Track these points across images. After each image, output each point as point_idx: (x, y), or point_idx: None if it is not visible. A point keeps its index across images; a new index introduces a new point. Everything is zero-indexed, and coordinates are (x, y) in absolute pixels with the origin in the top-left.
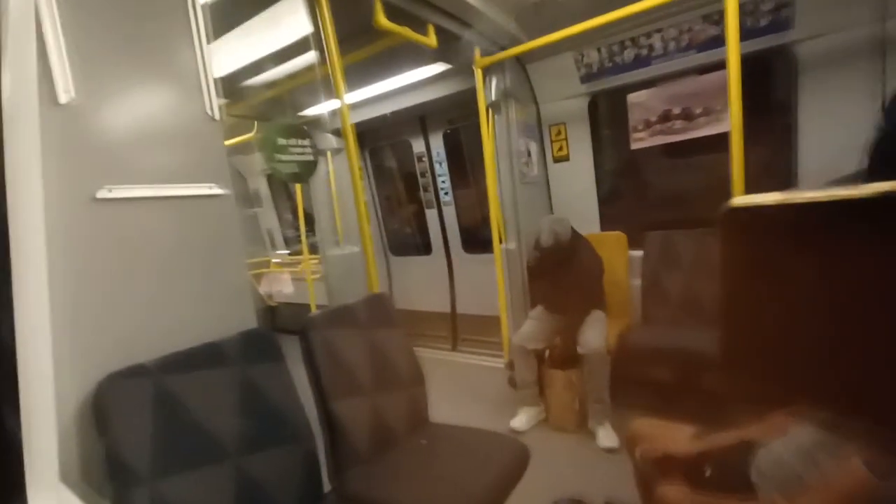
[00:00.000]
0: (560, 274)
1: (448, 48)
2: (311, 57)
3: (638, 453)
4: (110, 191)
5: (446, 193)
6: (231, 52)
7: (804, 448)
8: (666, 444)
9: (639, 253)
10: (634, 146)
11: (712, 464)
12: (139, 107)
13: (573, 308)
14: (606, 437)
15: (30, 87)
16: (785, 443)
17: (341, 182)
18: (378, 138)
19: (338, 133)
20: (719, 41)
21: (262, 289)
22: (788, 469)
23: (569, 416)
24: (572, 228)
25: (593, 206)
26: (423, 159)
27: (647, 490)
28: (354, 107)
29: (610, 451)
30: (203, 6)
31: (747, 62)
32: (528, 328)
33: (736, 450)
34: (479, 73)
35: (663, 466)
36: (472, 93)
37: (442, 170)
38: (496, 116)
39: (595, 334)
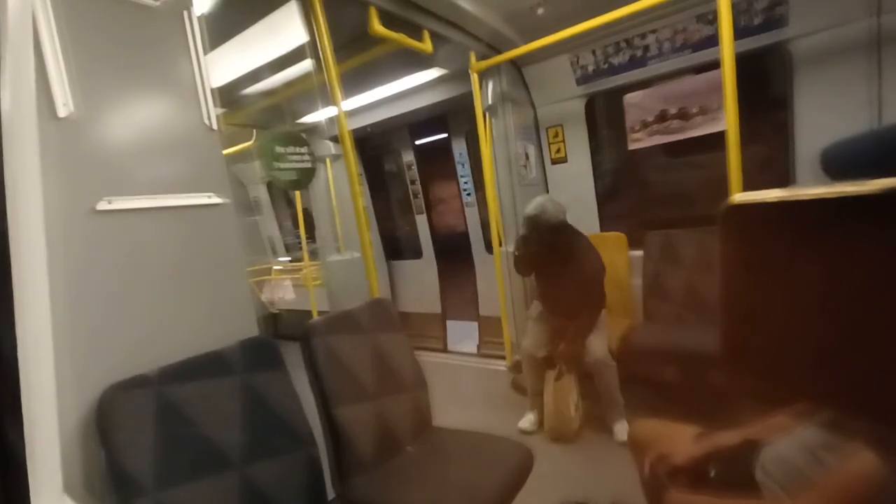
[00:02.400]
0: (557, 272)
1: (444, 53)
2: (307, 65)
3: (647, 466)
4: (110, 202)
5: (469, 194)
6: (228, 62)
7: (809, 447)
8: (670, 447)
9: (639, 253)
10: (632, 146)
11: (716, 463)
12: (137, 118)
13: (575, 312)
14: (623, 431)
15: (29, 102)
16: (789, 442)
17: (340, 188)
18: (375, 145)
19: (336, 140)
20: (714, 41)
21: (264, 296)
22: (793, 468)
23: (566, 426)
24: (572, 227)
25: (592, 206)
26: (413, 167)
27: (653, 493)
28: (352, 113)
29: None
30: (200, 17)
31: (743, 61)
32: (534, 334)
33: (740, 449)
34: (475, 78)
35: (670, 472)
36: (470, 97)
37: (465, 171)
38: (493, 120)
39: (599, 343)
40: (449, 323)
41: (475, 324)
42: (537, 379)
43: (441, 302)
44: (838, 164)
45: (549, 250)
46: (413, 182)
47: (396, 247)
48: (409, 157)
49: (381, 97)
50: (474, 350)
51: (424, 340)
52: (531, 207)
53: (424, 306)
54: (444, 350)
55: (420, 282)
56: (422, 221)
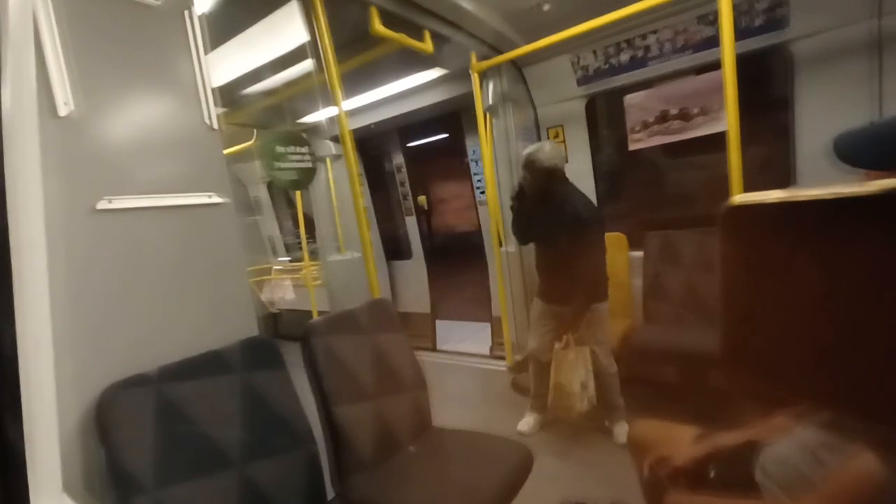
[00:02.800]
0: (552, 225)
1: (445, 53)
2: (308, 65)
3: (646, 468)
4: (110, 202)
5: (483, 192)
6: (229, 62)
7: (808, 447)
8: (670, 449)
9: (639, 253)
10: (632, 147)
11: (716, 464)
12: (138, 118)
13: (576, 274)
14: (623, 433)
15: (29, 100)
16: (789, 442)
17: (341, 188)
18: (376, 145)
19: (336, 139)
20: (714, 41)
21: (264, 296)
22: (793, 468)
23: (568, 404)
24: (569, 180)
25: None
26: (402, 170)
27: (652, 494)
28: (353, 113)
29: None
30: (201, 16)
31: (743, 61)
32: (539, 336)
33: (740, 450)
34: (475, 78)
35: (670, 474)
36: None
37: (479, 168)
38: (494, 120)
39: (601, 350)
40: (440, 322)
41: (486, 325)
42: (541, 382)
43: (430, 302)
44: (851, 152)
45: (544, 199)
46: (402, 184)
47: (397, 247)
48: (398, 159)
49: (374, 99)
50: (486, 352)
51: (421, 340)
52: (530, 147)
53: (420, 306)
54: (434, 349)
55: (411, 282)
56: (411, 223)
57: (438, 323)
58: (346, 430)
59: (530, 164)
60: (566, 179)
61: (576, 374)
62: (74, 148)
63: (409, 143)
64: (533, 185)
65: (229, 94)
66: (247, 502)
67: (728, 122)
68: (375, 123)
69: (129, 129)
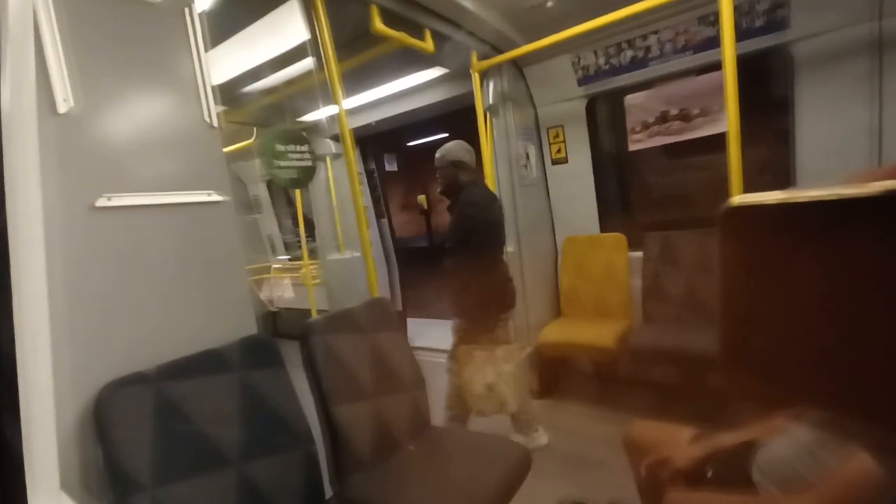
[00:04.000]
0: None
1: (444, 52)
2: (308, 63)
3: (644, 469)
4: (109, 199)
5: None
6: (229, 60)
7: (805, 446)
8: (671, 450)
9: (638, 254)
10: (633, 147)
11: (714, 464)
12: (138, 115)
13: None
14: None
15: (28, 97)
16: (785, 441)
17: (340, 187)
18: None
19: (336, 138)
20: (715, 42)
21: (263, 294)
22: (789, 467)
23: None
24: (477, 175)
25: (592, 207)
26: (374, 175)
27: (649, 494)
28: (354, 111)
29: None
30: (201, 14)
31: (744, 62)
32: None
33: (738, 450)
34: (476, 77)
35: (668, 475)
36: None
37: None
38: (494, 120)
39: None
40: (434, 322)
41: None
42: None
43: (402, 300)
44: None
45: (448, 194)
46: (375, 189)
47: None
48: (370, 165)
49: (373, 98)
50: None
51: None
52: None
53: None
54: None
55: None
56: (383, 225)
57: (433, 322)
58: (345, 429)
59: (438, 162)
60: (473, 174)
61: (479, 375)
62: (74, 145)
63: (380, 149)
64: (443, 181)
65: (229, 92)
66: (245, 501)
67: (728, 122)
68: (376, 122)
69: (128, 127)
